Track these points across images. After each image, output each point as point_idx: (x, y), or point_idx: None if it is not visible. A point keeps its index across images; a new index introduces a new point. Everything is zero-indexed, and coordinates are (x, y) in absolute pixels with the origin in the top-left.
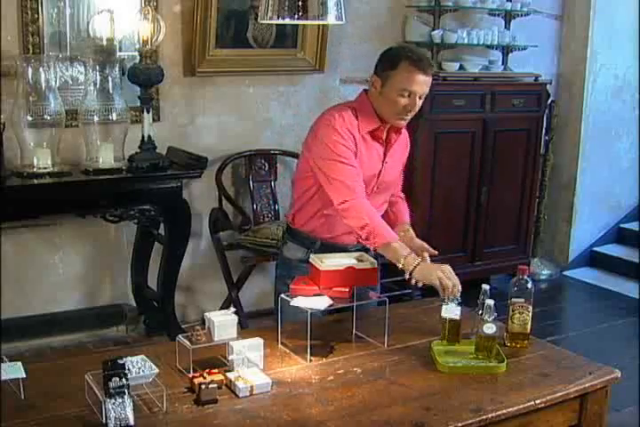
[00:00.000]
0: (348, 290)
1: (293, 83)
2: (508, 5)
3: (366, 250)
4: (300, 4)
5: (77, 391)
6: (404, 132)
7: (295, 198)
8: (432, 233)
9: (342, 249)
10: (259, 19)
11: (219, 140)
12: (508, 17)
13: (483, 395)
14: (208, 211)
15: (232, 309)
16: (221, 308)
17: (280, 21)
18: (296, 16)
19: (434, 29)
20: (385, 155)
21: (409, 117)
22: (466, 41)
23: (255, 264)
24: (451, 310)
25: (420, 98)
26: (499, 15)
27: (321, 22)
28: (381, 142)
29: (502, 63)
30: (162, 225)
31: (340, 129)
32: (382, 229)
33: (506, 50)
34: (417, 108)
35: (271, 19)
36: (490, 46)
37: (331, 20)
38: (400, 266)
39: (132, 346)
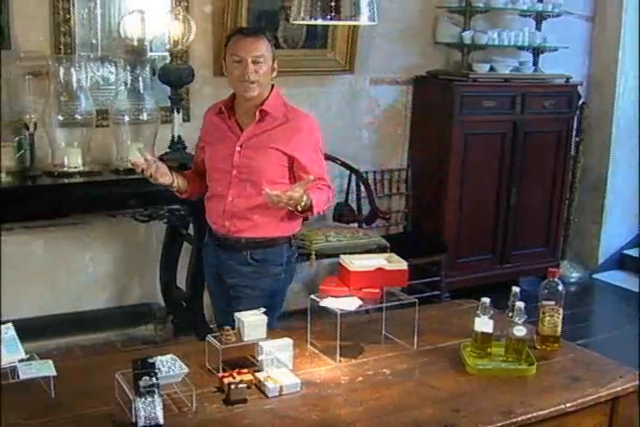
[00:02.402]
0: (377, 291)
1: (323, 83)
2: (540, 6)
3: (227, 239)
4: (333, 4)
5: (107, 390)
6: (297, 120)
7: None
8: (461, 234)
9: (215, 237)
10: (291, 19)
11: None
12: (539, 18)
13: (513, 398)
14: None
15: (262, 309)
16: None
17: (312, 22)
18: (328, 17)
19: (464, 30)
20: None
21: (254, 86)
22: (496, 42)
23: None
24: (484, 324)
25: (254, 63)
26: (530, 16)
27: (353, 23)
28: (231, 126)
29: (533, 64)
30: (191, 225)
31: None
32: None
33: (537, 51)
34: (258, 76)
35: (303, 19)
36: (520, 47)
37: (363, 20)
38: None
39: (160, 345)
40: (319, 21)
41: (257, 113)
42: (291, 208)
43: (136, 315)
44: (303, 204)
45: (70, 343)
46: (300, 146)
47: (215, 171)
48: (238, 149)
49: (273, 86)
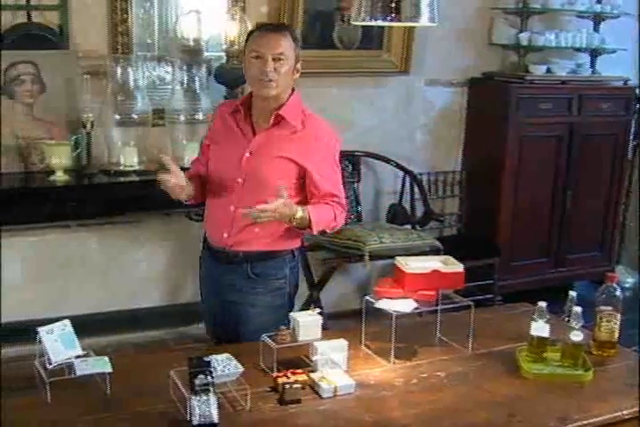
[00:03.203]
0: (433, 293)
1: (378, 84)
2: (598, 7)
3: (225, 253)
4: (393, 5)
5: (162, 388)
6: (315, 128)
7: None
8: (515, 237)
9: (213, 250)
10: (351, 20)
11: None
12: (598, 19)
13: (568, 403)
14: None
15: (317, 309)
16: (302, 308)
17: (372, 23)
18: (389, 18)
19: (521, 32)
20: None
21: (272, 85)
22: (553, 44)
23: (337, 266)
24: (540, 328)
25: (275, 61)
26: (587, 17)
27: (414, 24)
28: (244, 128)
29: (590, 66)
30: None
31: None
32: None
33: (594, 53)
34: (277, 75)
35: (364, 20)
36: (578, 49)
37: (423, 21)
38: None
39: (212, 344)
40: (379, 22)
41: (272, 117)
42: (286, 222)
43: (189, 313)
44: (299, 216)
45: (123, 341)
46: (314, 157)
47: (219, 175)
48: (247, 155)
49: (293, 90)
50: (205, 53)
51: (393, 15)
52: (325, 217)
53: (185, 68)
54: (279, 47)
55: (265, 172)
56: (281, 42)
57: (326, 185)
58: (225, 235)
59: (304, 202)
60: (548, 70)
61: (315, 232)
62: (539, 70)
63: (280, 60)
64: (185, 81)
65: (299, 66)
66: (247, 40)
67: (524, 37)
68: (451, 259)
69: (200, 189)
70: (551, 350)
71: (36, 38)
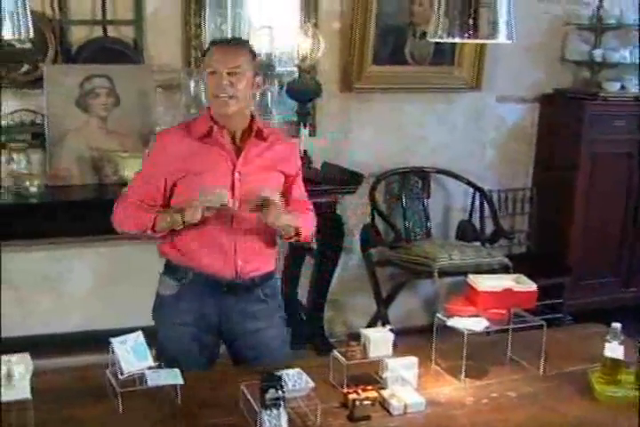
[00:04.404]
0: (505, 312)
1: (449, 100)
2: None
3: (237, 284)
4: (471, 22)
5: (232, 401)
6: (282, 138)
7: None
8: (585, 256)
9: (217, 282)
10: (427, 37)
11: (373, 157)
12: None
13: None
14: (360, 226)
15: (388, 326)
16: (369, 324)
17: (450, 40)
18: (466, 35)
19: (594, 48)
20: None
21: (231, 102)
22: (628, 60)
23: (405, 282)
24: (614, 349)
25: (231, 75)
26: None
27: (491, 41)
28: (227, 149)
29: None
30: (314, 239)
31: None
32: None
33: None
34: (234, 90)
35: (441, 37)
36: None
37: (501, 39)
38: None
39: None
40: (457, 39)
41: (252, 132)
42: (283, 229)
43: None
44: (289, 217)
45: None
46: (295, 165)
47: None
48: (237, 175)
49: None
50: (277, 68)
51: (470, 32)
52: (309, 224)
53: None
54: (234, 61)
55: (261, 188)
56: (236, 56)
57: (302, 192)
58: (239, 262)
59: None
60: (622, 87)
61: (303, 238)
62: (612, 87)
63: (236, 74)
64: (257, 95)
65: (258, 79)
66: (204, 56)
67: (597, 54)
68: (523, 277)
69: None
70: (625, 373)
71: (112, 52)
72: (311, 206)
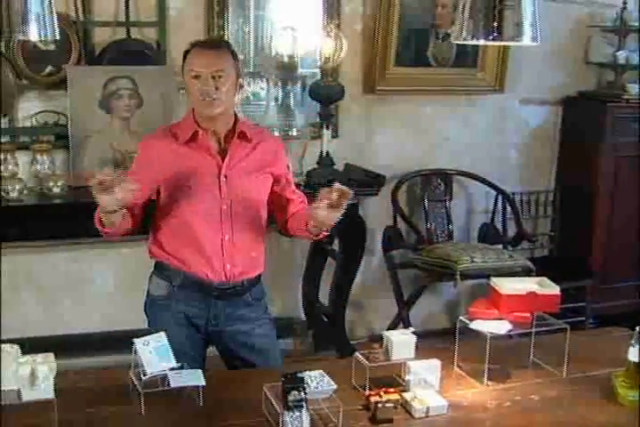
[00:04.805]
0: (528, 315)
1: (472, 103)
2: None
3: (227, 288)
4: (496, 25)
5: (254, 402)
6: (268, 137)
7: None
8: (608, 260)
9: (206, 286)
10: (451, 39)
11: (395, 159)
12: None
13: None
14: (382, 228)
15: (410, 329)
16: (389, 326)
17: (474, 42)
18: (491, 37)
19: (618, 50)
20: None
21: (216, 103)
22: None
23: (427, 284)
24: (638, 353)
25: (214, 79)
26: None
27: (516, 44)
28: (212, 153)
29: None
30: (335, 240)
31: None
32: None
33: None
34: (219, 93)
35: (465, 39)
36: None
37: (526, 41)
38: None
39: (300, 360)
40: (481, 42)
41: (235, 134)
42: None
43: (277, 328)
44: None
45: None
46: (283, 162)
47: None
48: (223, 179)
49: None
50: (300, 70)
51: (495, 34)
52: None
53: (279, 84)
54: (218, 64)
55: (249, 190)
56: (219, 59)
57: (294, 188)
58: (228, 267)
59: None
60: None
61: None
62: (636, 89)
63: (220, 77)
64: (279, 97)
65: (241, 81)
66: (184, 59)
67: (621, 56)
68: (546, 280)
69: (131, 219)
70: None
71: (135, 54)
72: (305, 200)
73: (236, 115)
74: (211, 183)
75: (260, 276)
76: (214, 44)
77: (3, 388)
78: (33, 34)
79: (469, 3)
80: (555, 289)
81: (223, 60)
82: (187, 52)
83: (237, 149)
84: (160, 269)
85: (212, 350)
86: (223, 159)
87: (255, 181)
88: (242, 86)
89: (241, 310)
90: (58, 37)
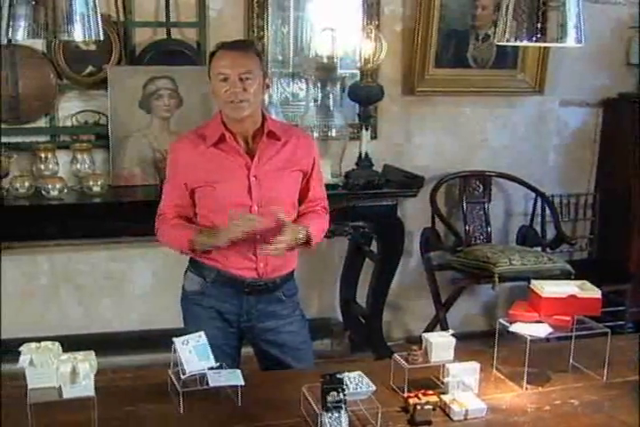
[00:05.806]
0: (569, 319)
1: (511, 104)
2: None
3: (259, 285)
4: (539, 26)
5: (292, 403)
6: (299, 135)
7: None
8: None
9: (239, 283)
10: (495, 40)
11: (434, 160)
12: None
13: None
14: (420, 230)
15: (450, 331)
16: (427, 328)
17: (517, 43)
18: (534, 38)
19: None
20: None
21: (244, 106)
22: None
23: (465, 286)
24: None
25: (242, 80)
26: None
27: (560, 45)
28: (241, 154)
29: None
30: (373, 242)
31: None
32: None
33: None
34: (248, 95)
35: (508, 41)
36: None
37: (570, 42)
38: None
39: (337, 361)
40: (524, 43)
41: (264, 134)
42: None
43: (313, 329)
44: (302, 236)
45: (245, 354)
46: (311, 160)
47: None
48: (253, 179)
49: None
50: (339, 71)
51: (538, 36)
52: (320, 229)
53: (319, 85)
54: (245, 65)
55: (279, 190)
56: (246, 60)
57: (319, 188)
58: (261, 265)
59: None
60: None
61: (312, 247)
62: None
63: (248, 78)
64: (318, 98)
65: (267, 81)
66: (210, 61)
67: None
68: (587, 284)
69: None
70: None
71: (175, 54)
72: (326, 204)
73: (263, 114)
74: (241, 185)
75: (292, 273)
76: (240, 44)
77: (44, 385)
78: (77, 34)
79: (513, 4)
80: (596, 293)
81: (250, 60)
82: (212, 55)
83: (266, 149)
84: (194, 265)
85: (246, 351)
86: (252, 159)
87: (286, 178)
88: (268, 86)
89: (273, 306)
90: (102, 38)
